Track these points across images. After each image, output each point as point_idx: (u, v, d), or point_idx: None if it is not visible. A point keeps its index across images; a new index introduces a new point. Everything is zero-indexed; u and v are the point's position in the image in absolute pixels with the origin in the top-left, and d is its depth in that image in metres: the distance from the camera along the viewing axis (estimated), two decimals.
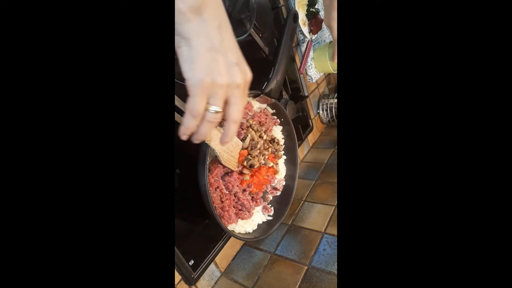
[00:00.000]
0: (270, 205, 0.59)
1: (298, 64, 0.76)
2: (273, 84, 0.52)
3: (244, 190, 0.52)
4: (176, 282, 0.47)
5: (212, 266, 0.53)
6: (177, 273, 0.47)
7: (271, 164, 0.57)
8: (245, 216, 0.52)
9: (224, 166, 0.48)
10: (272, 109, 0.59)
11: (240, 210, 0.51)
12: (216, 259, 0.54)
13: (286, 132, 0.62)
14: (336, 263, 0.48)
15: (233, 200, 0.50)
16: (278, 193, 0.62)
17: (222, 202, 0.49)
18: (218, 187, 0.48)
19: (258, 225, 0.55)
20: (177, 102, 0.36)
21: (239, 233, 0.51)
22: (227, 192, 0.50)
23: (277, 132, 0.61)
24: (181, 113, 0.31)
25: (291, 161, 0.64)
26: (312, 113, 0.87)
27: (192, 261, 0.48)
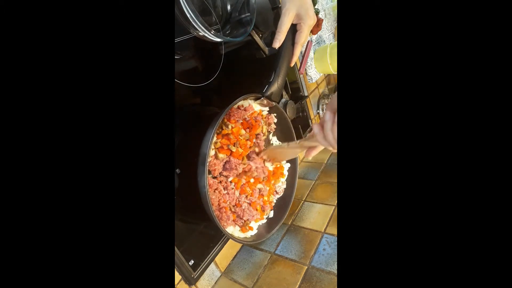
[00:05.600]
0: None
1: (298, 64, 0.77)
2: (274, 87, 0.52)
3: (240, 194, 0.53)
4: (176, 282, 0.47)
5: (212, 266, 0.53)
6: (177, 273, 0.47)
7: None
8: (241, 224, 0.52)
9: (222, 160, 0.49)
10: (272, 111, 0.59)
11: (238, 217, 0.51)
12: (216, 259, 0.54)
13: (285, 133, 0.62)
14: (336, 263, 0.48)
15: (232, 203, 0.50)
16: (278, 196, 0.62)
17: (219, 205, 0.49)
18: (217, 189, 0.48)
19: (258, 227, 0.55)
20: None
21: (238, 237, 0.50)
22: (226, 192, 0.50)
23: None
24: None
25: (291, 162, 0.64)
26: (312, 113, 0.87)
27: (192, 261, 0.48)
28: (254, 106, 0.54)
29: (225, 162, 0.49)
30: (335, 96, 0.35)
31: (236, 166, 0.49)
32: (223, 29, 0.51)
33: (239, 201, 0.52)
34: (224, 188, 0.50)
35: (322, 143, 0.37)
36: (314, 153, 0.44)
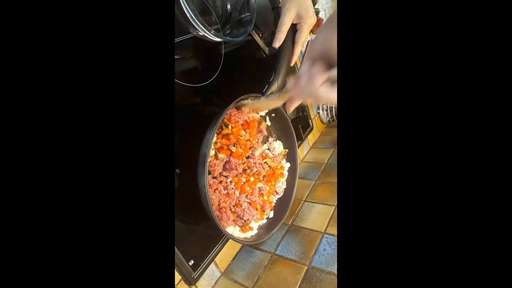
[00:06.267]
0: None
1: (298, 64, 0.76)
2: (274, 87, 0.52)
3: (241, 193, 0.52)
4: (176, 282, 0.47)
5: (212, 266, 0.53)
6: (177, 273, 0.47)
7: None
8: (241, 224, 0.52)
9: (222, 160, 0.49)
10: (272, 112, 0.60)
11: (238, 217, 0.51)
12: (216, 259, 0.54)
13: (285, 133, 0.62)
14: (336, 263, 0.48)
15: (232, 203, 0.50)
16: (278, 196, 0.62)
17: (219, 205, 0.49)
18: (217, 189, 0.48)
19: (258, 227, 0.55)
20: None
21: (238, 237, 0.51)
22: (226, 192, 0.50)
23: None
24: None
25: (291, 162, 0.64)
26: (312, 113, 0.87)
27: (192, 261, 0.48)
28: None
29: (225, 162, 0.49)
30: (314, 40, 0.32)
31: (236, 166, 0.49)
32: (223, 29, 0.51)
33: (239, 201, 0.52)
34: (224, 188, 0.50)
35: (298, 97, 0.36)
36: (293, 106, 0.42)
